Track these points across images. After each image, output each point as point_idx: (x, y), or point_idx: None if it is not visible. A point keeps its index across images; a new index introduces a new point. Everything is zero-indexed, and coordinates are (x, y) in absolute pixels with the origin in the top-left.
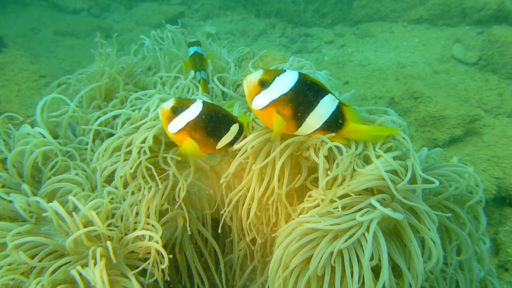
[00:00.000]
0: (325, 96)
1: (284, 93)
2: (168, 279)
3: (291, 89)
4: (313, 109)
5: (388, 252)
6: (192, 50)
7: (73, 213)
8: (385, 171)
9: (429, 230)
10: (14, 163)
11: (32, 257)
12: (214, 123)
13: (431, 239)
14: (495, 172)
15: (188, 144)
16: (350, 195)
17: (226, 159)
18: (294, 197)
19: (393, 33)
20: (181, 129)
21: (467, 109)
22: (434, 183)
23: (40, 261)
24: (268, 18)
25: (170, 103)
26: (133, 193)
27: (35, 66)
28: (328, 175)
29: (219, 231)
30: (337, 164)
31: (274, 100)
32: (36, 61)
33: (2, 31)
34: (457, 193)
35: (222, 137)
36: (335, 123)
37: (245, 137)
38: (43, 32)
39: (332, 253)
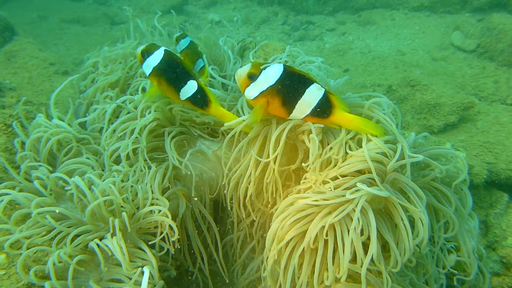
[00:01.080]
0: (310, 85)
1: (271, 84)
2: (173, 252)
3: (277, 80)
4: (300, 97)
5: (378, 229)
6: (183, 43)
7: (93, 186)
8: (375, 153)
9: (417, 208)
10: (31, 148)
11: (52, 230)
12: (172, 72)
13: (419, 216)
14: (487, 157)
15: (153, 88)
16: (342, 177)
17: (230, 143)
18: (292, 179)
19: (394, 20)
20: (150, 73)
21: (462, 96)
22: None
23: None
24: (271, 5)
25: (141, 48)
26: (135, 172)
27: (44, 53)
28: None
29: (220, 212)
30: (330, 148)
31: (263, 91)
32: (45, 49)
33: (12, 18)
34: (444, 174)
35: (181, 88)
36: (323, 109)
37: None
38: (50, 20)
39: (323, 227)
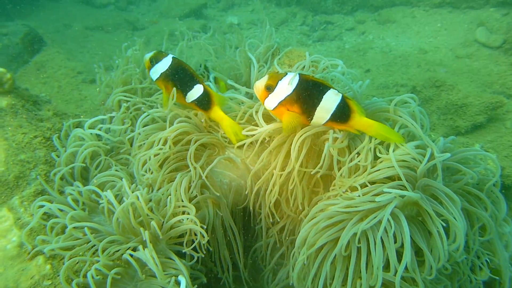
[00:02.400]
0: (327, 91)
1: (288, 94)
2: (203, 256)
3: (294, 89)
4: (319, 104)
5: (411, 236)
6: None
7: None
8: (405, 159)
9: (451, 212)
10: (66, 162)
11: (87, 242)
12: (179, 76)
13: (454, 221)
14: None
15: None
16: (371, 183)
17: (258, 151)
18: (321, 185)
19: (414, 18)
20: (157, 78)
21: (490, 96)
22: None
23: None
24: (289, 6)
25: (149, 55)
26: (163, 182)
27: (72, 63)
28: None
29: (249, 219)
30: (358, 153)
31: (281, 101)
32: (72, 58)
33: (39, 29)
34: (476, 180)
35: (188, 92)
36: (342, 114)
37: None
38: (74, 28)
39: (355, 234)
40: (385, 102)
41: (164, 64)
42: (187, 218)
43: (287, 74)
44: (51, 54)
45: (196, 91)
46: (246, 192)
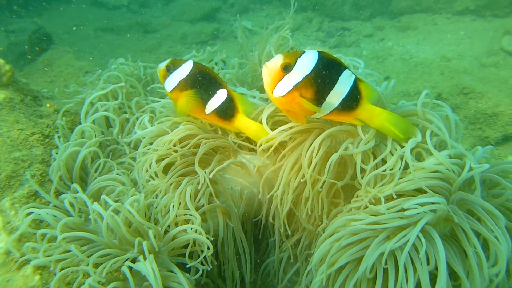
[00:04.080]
0: (343, 71)
1: (306, 74)
2: (209, 269)
3: (313, 69)
4: (333, 86)
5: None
6: None
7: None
8: (438, 169)
9: (491, 230)
10: (64, 163)
11: (82, 252)
12: (201, 83)
13: (495, 238)
14: None
15: (182, 102)
16: (398, 196)
17: (271, 158)
18: (341, 197)
19: (436, 25)
20: (174, 87)
21: None
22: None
23: (89, 256)
24: (305, 11)
25: (165, 63)
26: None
27: (80, 62)
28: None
29: (262, 230)
30: (384, 161)
31: (297, 83)
32: (80, 57)
33: (50, 28)
34: None
35: (209, 100)
36: (351, 100)
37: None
38: (86, 28)
39: (382, 254)
40: (414, 105)
41: (184, 70)
42: (191, 228)
43: (304, 51)
44: (59, 52)
45: (219, 97)
46: (259, 198)
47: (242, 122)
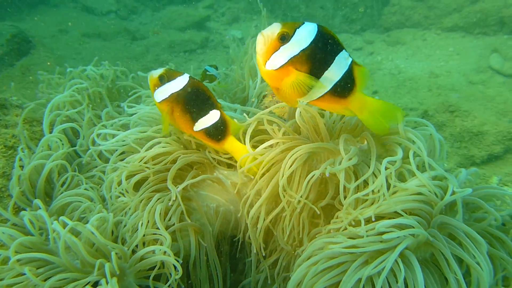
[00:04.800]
0: (340, 52)
1: (304, 47)
2: None
3: (311, 42)
4: (328, 67)
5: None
6: None
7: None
8: (420, 191)
9: (474, 256)
10: (29, 179)
11: (38, 274)
12: (194, 100)
13: (477, 268)
14: None
15: (172, 116)
16: (379, 218)
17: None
18: (321, 217)
19: (425, 41)
20: (164, 99)
21: (508, 125)
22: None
23: (46, 279)
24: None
25: (159, 71)
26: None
27: (61, 69)
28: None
29: (238, 250)
30: (366, 182)
31: (293, 57)
32: (62, 63)
33: (31, 32)
34: (500, 222)
35: (199, 118)
36: (344, 87)
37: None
38: (71, 34)
39: (360, 280)
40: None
41: (178, 84)
42: (160, 249)
43: (304, 23)
44: (40, 58)
45: (212, 117)
46: (238, 216)
47: (233, 145)
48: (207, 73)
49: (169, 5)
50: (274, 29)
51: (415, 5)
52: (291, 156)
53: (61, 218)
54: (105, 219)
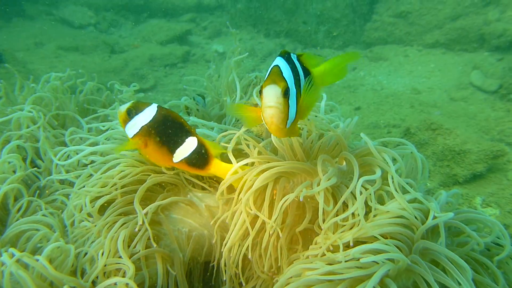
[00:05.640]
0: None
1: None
2: None
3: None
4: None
5: None
6: None
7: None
8: (402, 215)
9: (459, 283)
10: None
11: None
12: (167, 130)
13: None
14: None
15: (147, 153)
16: (359, 243)
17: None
18: (300, 242)
19: (407, 57)
20: (136, 133)
21: (490, 143)
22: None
23: None
24: (278, 38)
25: (126, 106)
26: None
27: (33, 83)
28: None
29: (212, 278)
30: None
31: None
32: (35, 78)
33: (3, 45)
34: (483, 247)
35: (177, 148)
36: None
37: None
38: (47, 47)
39: None
40: (378, 143)
41: (147, 115)
42: (121, 281)
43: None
44: (9, 73)
45: (189, 145)
46: (213, 241)
47: (219, 168)
48: (195, 101)
49: (150, 19)
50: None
51: (396, 22)
52: (261, 176)
53: (10, 249)
54: (63, 249)
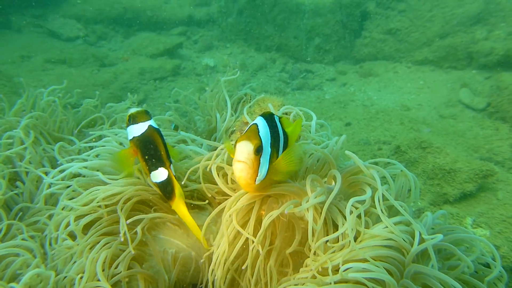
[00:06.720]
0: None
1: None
2: None
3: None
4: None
5: None
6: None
7: None
8: (391, 238)
9: None
10: None
11: None
12: (147, 151)
13: None
14: None
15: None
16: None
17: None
18: (290, 265)
19: (397, 73)
20: (130, 139)
21: (480, 163)
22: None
23: None
24: (269, 52)
25: (132, 110)
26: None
27: (17, 98)
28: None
29: None
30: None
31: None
32: (19, 92)
33: None
34: (472, 270)
35: (152, 171)
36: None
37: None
38: (34, 60)
39: None
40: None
41: (139, 129)
42: None
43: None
44: None
45: (160, 174)
46: (200, 262)
47: (179, 209)
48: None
49: (141, 32)
50: None
51: (386, 38)
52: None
53: None
54: (42, 277)
